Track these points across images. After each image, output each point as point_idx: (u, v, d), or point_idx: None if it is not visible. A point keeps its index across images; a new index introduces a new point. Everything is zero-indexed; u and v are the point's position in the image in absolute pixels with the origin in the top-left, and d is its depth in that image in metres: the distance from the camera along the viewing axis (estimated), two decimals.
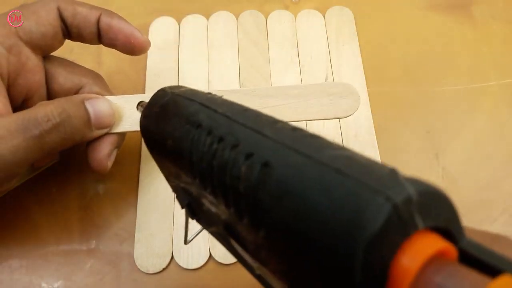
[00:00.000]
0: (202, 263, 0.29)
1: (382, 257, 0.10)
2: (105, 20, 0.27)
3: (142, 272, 0.29)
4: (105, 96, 0.27)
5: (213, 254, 0.29)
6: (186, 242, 0.21)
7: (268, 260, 0.13)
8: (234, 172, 0.12)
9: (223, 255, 0.29)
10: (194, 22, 0.38)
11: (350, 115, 0.27)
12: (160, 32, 0.37)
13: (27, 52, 0.26)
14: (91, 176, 0.32)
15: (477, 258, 0.11)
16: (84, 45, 0.36)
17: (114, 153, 0.28)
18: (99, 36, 0.28)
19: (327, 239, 0.10)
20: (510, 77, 0.35)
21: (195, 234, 0.21)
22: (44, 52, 0.27)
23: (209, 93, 0.17)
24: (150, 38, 0.37)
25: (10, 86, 0.25)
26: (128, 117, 0.27)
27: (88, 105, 0.25)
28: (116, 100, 0.27)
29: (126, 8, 0.39)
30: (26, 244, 0.30)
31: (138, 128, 0.27)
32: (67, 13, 0.27)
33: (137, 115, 0.27)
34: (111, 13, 0.28)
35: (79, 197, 0.32)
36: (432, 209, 0.10)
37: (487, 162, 0.32)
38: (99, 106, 0.25)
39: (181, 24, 0.38)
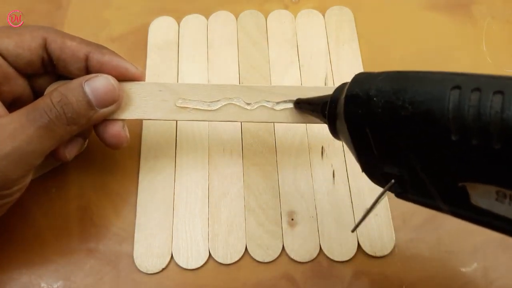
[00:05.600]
0: (201, 263, 0.29)
1: None
2: (96, 58, 0.26)
3: (142, 272, 0.29)
4: (126, 83, 0.27)
5: (212, 254, 0.29)
6: (354, 229, 0.22)
7: None
8: None
9: (223, 255, 0.29)
10: (193, 22, 0.38)
11: None
12: (160, 32, 0.37)
13: (6, 63, 0.26)
14: (90, 176, 0.32)
15: None
16: None
17: (125, 126, 0.28)
18: (87, 71, 0.27)
19: None
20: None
21: (359, 222, 0.22)
22: (19, 72, 0.27)
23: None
24: (149, 38, 0.37)
25: None
26: (141, 105, 0.27)
27: (86, 86, 0.25)
28: (131, 86, 0.27)
29: (126, 8, 0.39)
30: (26, 244, 0.30)
31: (152, 117, 0.27)
32: (55, 46, 0.26)
33: (153, 102, 0.27)
34: (102, 49, 0.27)
35: (79, 197, 0.31)
36: None
37: None
38: (97, 83, 0.25)
39: (180, 24, 0.38)
